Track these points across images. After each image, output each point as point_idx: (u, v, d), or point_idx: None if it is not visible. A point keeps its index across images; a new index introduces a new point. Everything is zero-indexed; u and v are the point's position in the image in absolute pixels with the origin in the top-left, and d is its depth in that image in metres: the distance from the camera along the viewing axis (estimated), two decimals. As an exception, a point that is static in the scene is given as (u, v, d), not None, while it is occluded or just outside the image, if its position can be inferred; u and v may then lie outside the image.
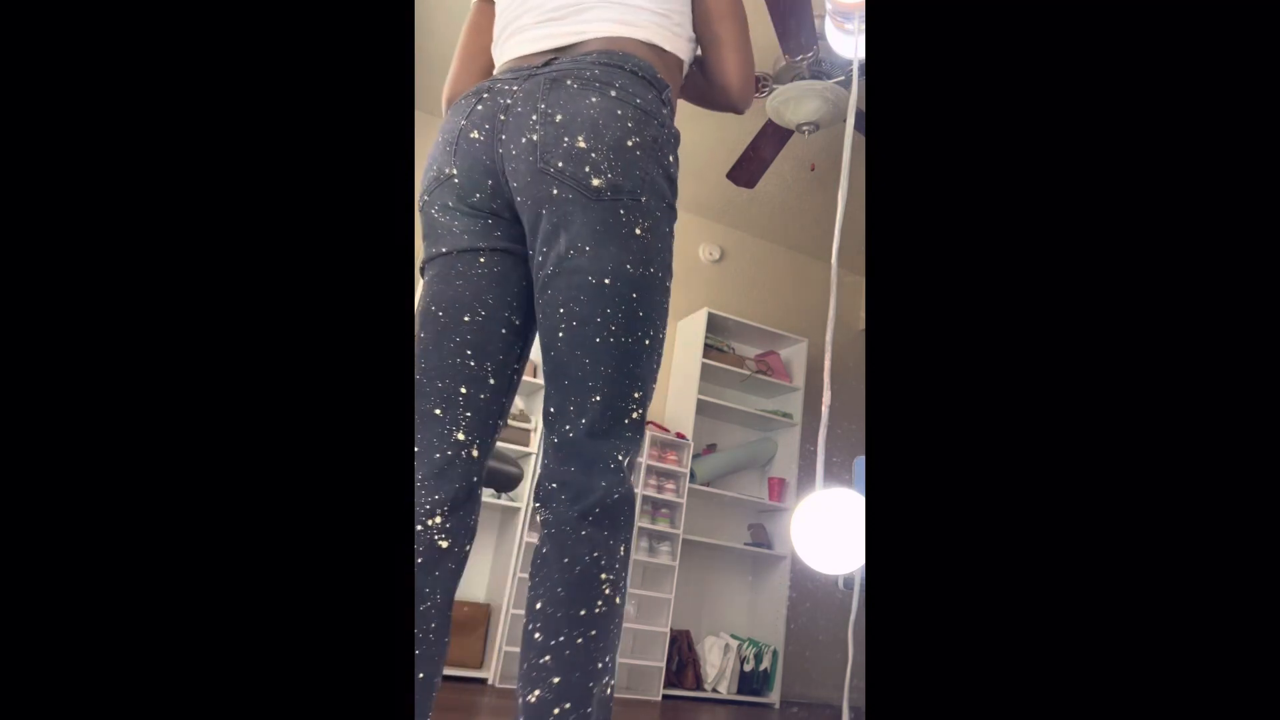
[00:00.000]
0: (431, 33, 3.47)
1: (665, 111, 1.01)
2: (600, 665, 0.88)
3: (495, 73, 1.07)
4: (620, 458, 0.95)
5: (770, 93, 3.01)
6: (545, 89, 0.96)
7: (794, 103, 2.95)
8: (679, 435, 4.08)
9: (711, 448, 4.41)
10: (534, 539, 3.52)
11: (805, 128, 3.01)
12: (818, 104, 2.92)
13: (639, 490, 3.84)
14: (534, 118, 0.94)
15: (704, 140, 3.91)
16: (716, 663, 3.93)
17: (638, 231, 0.94)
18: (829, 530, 1.17)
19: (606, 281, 0.92)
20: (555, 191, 0.92)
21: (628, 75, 0.98)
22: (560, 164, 0.92)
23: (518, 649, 3.56)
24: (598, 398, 0.94)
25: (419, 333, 1.00)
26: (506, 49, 1.08)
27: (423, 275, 1.05)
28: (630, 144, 0.95)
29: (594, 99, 0.95)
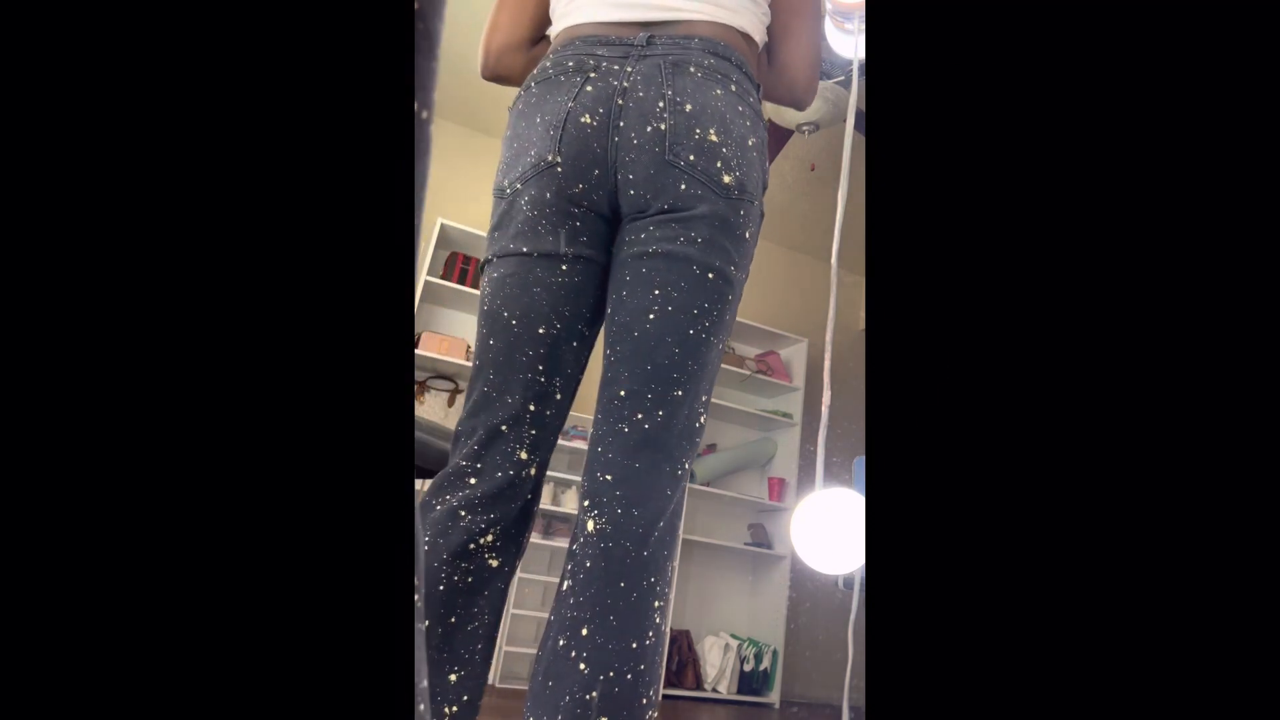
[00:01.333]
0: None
1: (761, 112, 0.97)
2: (645, 701, 0.80)
3: (568, 36, 0.96)
4: (686, 464, 0.88)
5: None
6: (669, 74, 0.89)
7: (794, 103, 2.95)
8: (679, 435, 4.07)
9: (711, 448, 4.41)
10: (535, 539, 3.52)
11: (805, 128, 3.01)
12: (818, 104, 2.92)
13: (639, 490, 3.83)
14: (660, 104, 0.87)
15: (704, 140, 3.91)
16: (716, 662, 3.93)
17: (747, 235, 0.91)
18: (829, 530, 1.17)
19: (711, 276, 0.87)
20: (683, 187, 0.87)
21: (737, 70, 0.93)
22: (691, 157, 0.87)
23: (518, 649, 3.58)
24: (679, 391, 0.87)
25: (487, 339, 0.93)
26: (580, 8, 0.97)
27: (488, 266, 0.96)
28: (751, 143, 0.91)
29: (718, 91, 0.89)
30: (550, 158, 0.89)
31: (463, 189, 4.12)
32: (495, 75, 1.11)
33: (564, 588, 0.83)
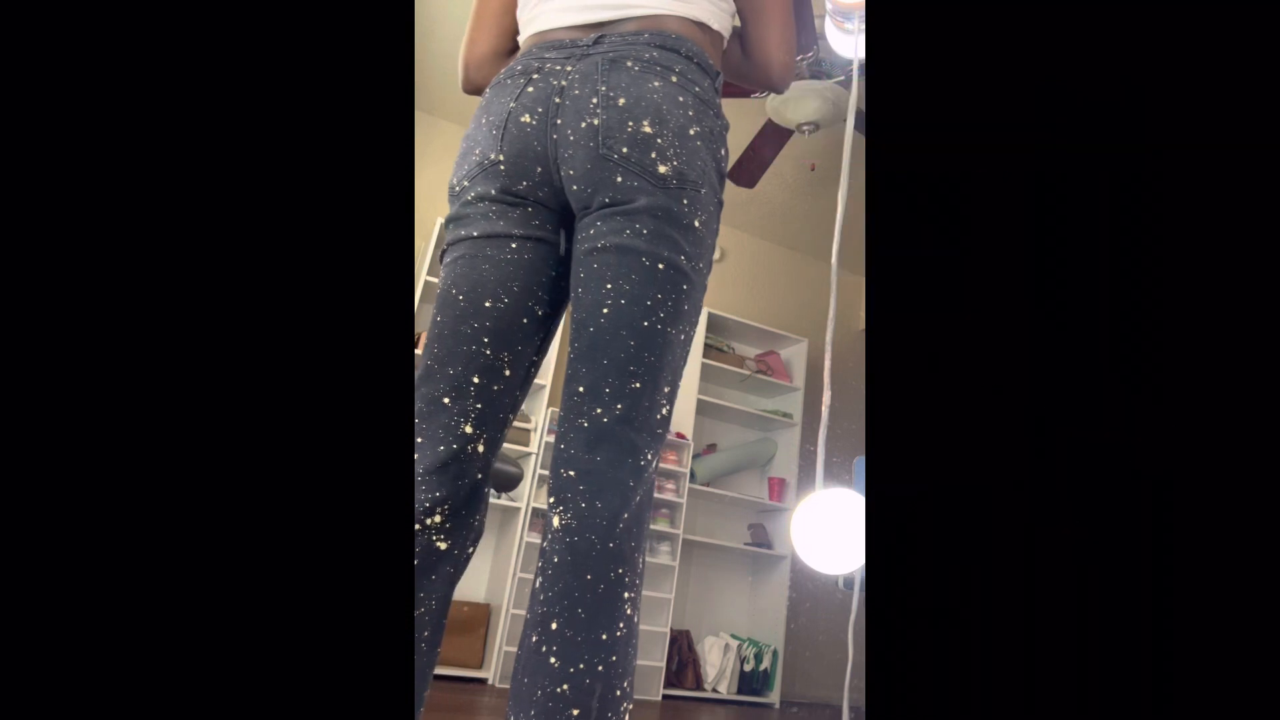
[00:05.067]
0: (431, 32, 3.47)
1: (718, 101, 0.97)
2: (619, 692, 0.80)
3: (530, 43, 1.00)
4: (650, 456, 0.88)
5: (770, 93, 3.01)
6: (604, 70, 0.91)
7: (794, 102, 2.95)
8: (679, 435, 4.08)
9: (711, 448, 4.41)
10: (534, 539, 3.52)
11: (805, 127, 3.01)
12: (818, 104, 2.92)
13: (639, 490, 3.83)
14: (594, 100, 0.89)
15: (704, 140, 3.91)
16: (716, 663, 3.93)
17: (696, 224, 0.91)
18: (829, 530, 1.17)
19: (660, 267, 0.88)
20: (619, 179, 0.88)
21: (684, 60, 0.94)
22: (625, 149, 0.88)
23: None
24: (637, 384, 0.87)
25: (435, 316, 0.93)
26: (541, 15, 1.00)
27: (442, 260, 0.97)
28: (692, 133, 0.91)
29: (656, 83, 0.91)
30: (494, 156, 0.92)
31: (463, 189, 4.10)
32: (474, 88, 1.15)
33: (536, 585, 0.83)
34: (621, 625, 0.81)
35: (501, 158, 0.92)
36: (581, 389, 0.87)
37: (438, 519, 0.86)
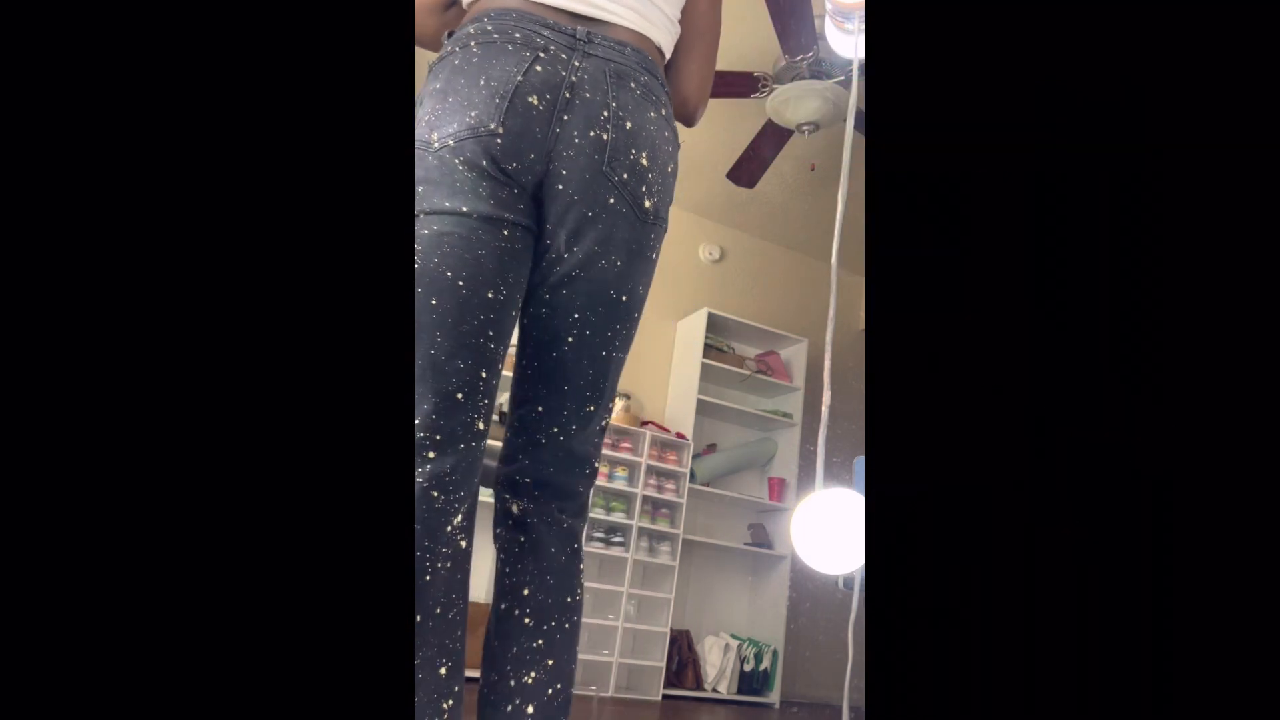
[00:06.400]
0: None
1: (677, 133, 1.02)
2: (576, 649, 0.94)
3: (502, 4, 0.94)
4: (596, 462, 0.98)
5: (770, 93, 3.01)
6: (613, 83, 0.91)
7: (794, 102, 2.95)
8: (679, 435, 4.07)
9: (712, 448, 4.41)
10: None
11: (805, 127, 3.01)
12: (818, 104, 2.93)
13: (638, 490, 3.84)
14: (605, 114, 0.90)
15: (704, 140, 3.91)
16: (716, 662, 3.93)
17: (654, 257, 0.97)
18: (829, 530, 1.17)
19: (624, 299, 0.93)
20: (611, 200, 0.90)
21: (661, 90, 0.97)
22: (624, 175, 0.90)
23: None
24: (592, 407, 0.95)
25: (429, 299, 0.86)
26: None
27: (419, 220, 0.89)
28: (669, 169, 0.96)
29: (652, 114, 0.94)
30: (492, 126, 0.88)
31: (463, 189, 4.10)
32: (420, 35, 1.09)
33: (499, 565, 0.94)
34: (579, 590, 0.95)
35: (500, 130, 0.88)
36: (541, 409, 0.94)
37: (460, 519, 0.87)
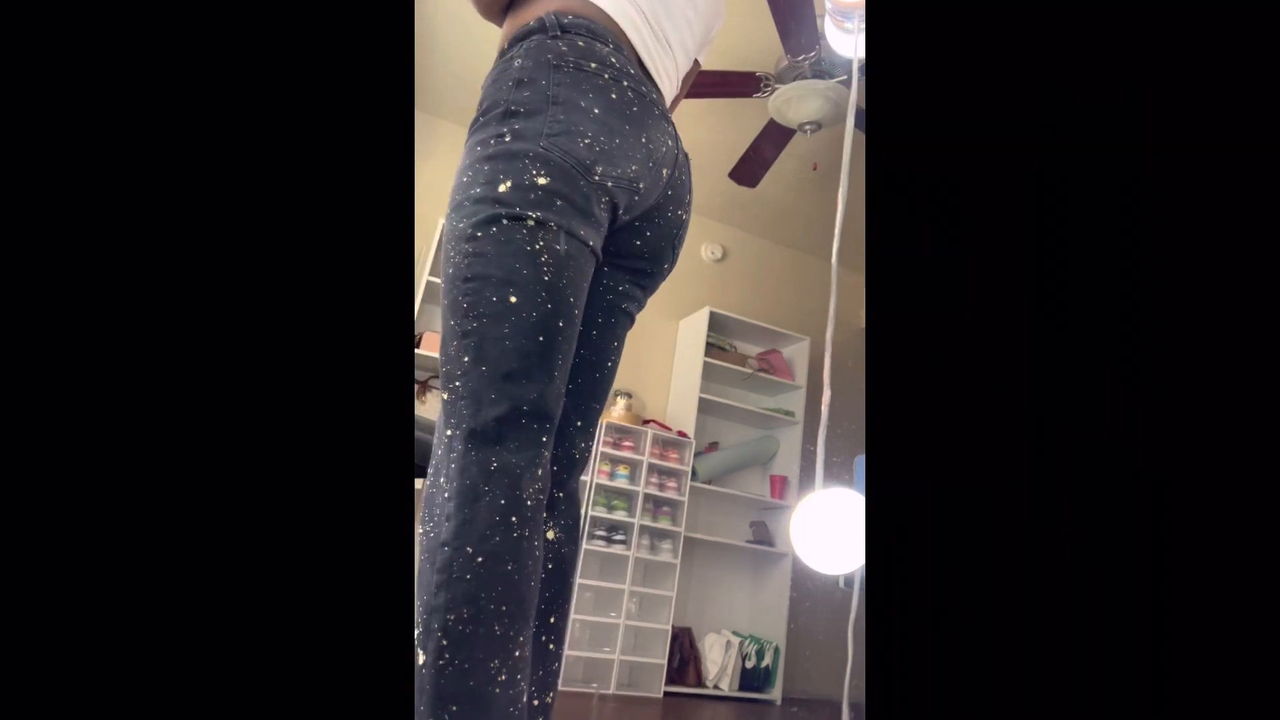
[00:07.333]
0: (433, 33, 3.46)
1: None
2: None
3: (615, 34, 0.95)
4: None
5: (772, 92, 3.01)
6: (684, 167, 1.05)
7: (796, 102, 2.95)
8: (681, 433, 4.08)
9: (713, 446, 4.41)
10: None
11: (807, 127, 3.01)
12: (820, 103, 2.92)
13: (640, 488, 3.84)
14: (688, 197, 1.06)
15: (706, 140, 3.91)
16: (718, 660, 3.94)
17: None
18: (829, 530, 1.17)
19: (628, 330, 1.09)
20: (666, 266, 1.07)
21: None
22: (679, 249, 1.08)
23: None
24: (597, 423, 1.08)
25: (555, 318, 0.85)
26: (641, 27, 0.99)
27: (545, 227, 0.85)
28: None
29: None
30: (642, 186, 0.94)
31: (464, 188, 4.09)
32: (489, 12, 1.07)
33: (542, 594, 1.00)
34: (573, 599, 1.03)
35: (641, 188, 0.94)
36: (579, 423, 1.02)
37: (557, 533, 0.99)
